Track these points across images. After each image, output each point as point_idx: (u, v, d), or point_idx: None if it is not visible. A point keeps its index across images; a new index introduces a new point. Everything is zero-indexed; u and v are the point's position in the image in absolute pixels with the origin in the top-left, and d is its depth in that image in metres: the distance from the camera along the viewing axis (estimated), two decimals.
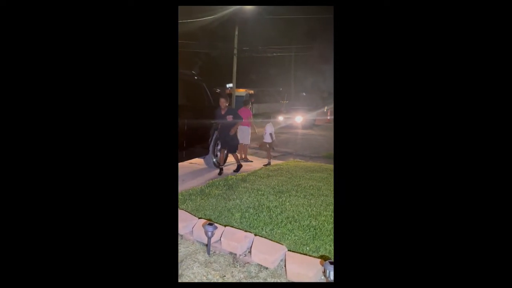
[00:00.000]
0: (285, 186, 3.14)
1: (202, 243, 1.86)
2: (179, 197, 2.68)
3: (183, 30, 12.24)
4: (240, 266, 1.62)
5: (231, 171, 4.08)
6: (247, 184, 3.16)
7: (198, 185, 3.14)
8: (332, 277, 1.25)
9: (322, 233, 1.97)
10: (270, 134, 4.66)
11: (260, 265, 1.62)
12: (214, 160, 4.16)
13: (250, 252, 1.70)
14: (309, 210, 2.40)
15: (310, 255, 1.65)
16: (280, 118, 11.68)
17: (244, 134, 4.86)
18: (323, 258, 1.62)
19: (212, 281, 1.49)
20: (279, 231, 2.01)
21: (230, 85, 14.87)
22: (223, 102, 3.89)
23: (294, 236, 1.94)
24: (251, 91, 17.91)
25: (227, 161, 4.54)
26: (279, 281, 1.50)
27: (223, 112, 3.87)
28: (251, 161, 4.87)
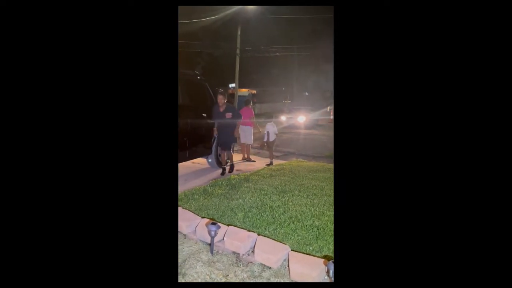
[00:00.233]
0: (288, 186, 3.14)
1: (205, 243, 1.86)
2: (182, 196, 2.69)
3: (186, 30, 12.27)
4: (243, 266, 1.62)
5: (234, 170, 4.08)
6: (250, 184, 3.16)
7: (201, 185, 3.15)
8: None
9: (325, 233, 1.97)
10: (268, 133, 4.64)
11: (263, 265, 1.62)
12: (227, 159, 4.07)
13: (253, 251, 1.70)
14: (312, 210, 2.39)
15: (313, 255, 1.65)
16: (283, 118, 11.67)
17: (246, 134, 4.85)
18: (327, 258, 1.62)
19: (215, 280, 1.49)
20: (282, 230, 2.00)
21: (233, 85, 14.88)
22: (221, 99, 3.72)
23: (297, 236, 1.93)
24: (254, 91, 17.90)
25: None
26: (282, 281, 1.50)
27: (221, 110, 3.73)
28: (254, 161, 4.87)
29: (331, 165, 4.38)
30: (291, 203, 2.56)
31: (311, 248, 1.78)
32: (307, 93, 21.45)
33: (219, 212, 2.33)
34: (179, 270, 1.55)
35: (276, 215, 2.27)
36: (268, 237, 1.86)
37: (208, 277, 1.51)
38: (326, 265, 1.45)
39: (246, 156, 4.93)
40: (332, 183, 3.21)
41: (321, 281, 1.46)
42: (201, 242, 1.88)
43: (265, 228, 2.04)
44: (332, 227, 2.05)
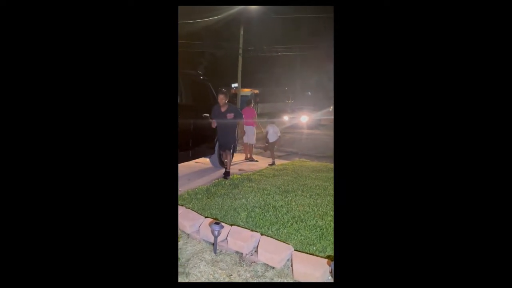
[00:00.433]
0: (291, 185, 3.13)
1: (208, 242, 1.86)
2: (186, 196, 2.70)
3: (189, 31, 12.30)
4: (246, 266, 1.62)
5: (237, 170, 4.09)
6: (253, 184, 3.16)
7: (204, 184, 3.16)
8: None
9: (328, 233, 1.96)
10: (267, 132, 4.63)
11: (266, 265, 1.62)
12: (225, 160, 3.91)
13: (256, 251, 1.70)
14: (316, 210, 2.39)
15: (316, 255, 1.64)
16: (285, 117, 11.65)
17: (249, 134, 4.86)
18: (330, 258, 1.61)
19: (218, 280, 1.49)
20: (285, 230, 2.00)
21: (235, 85, 14.89)
22: (222, 99, 3.52)
23: (301, 236, 1.93)
24: (256, 91, 17.90)
25: (233, 160, 4.55)
26: (285, 280, 1.49)
27: (222, 110, 3.54)
28: (257, 161, 4.87)
29: None
30: (294, 203, 2.56)
31: (314, 248, 1.78)
32: (309, 93, 21.40)
33: (222, 211, 2.33)
34: (182, 270, 1.56)
35: (279, 215, 2.27)
36: (271, 237, 1.86)
37: (211, 276, 1.51)
38: (329, 265, 1.44)
39: (248, 156, 4.93)
40: None
41: (325, 281, 1.46)
42: (204, 241, 1.88)
43: (268, 228, 2.04)
44: None
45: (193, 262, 1.62)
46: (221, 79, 15.51)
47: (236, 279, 1.50)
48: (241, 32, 13.30)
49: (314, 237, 1.91)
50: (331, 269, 1.33)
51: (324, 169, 4.03)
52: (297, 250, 1.70)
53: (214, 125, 3.61)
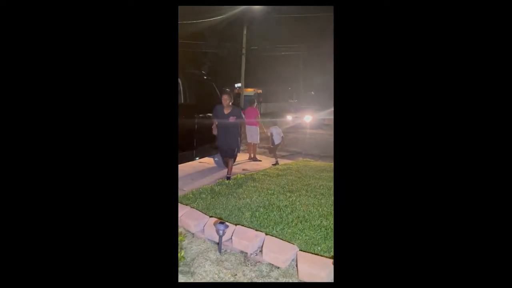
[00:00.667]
0: (294, 185, 3.13)
1: (213, 242, 1.87)
2: (190, 195, 2.71)
3: (192, 31, 12.33)
4: (251, 265, 1.62)
5: (240, 169, 4.09)
6: (257, 183, 3.16)
7: (208, 184, 3.17)
8: None
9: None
10: (278, 134, 4.63)
11: (271, 265, 1.62)
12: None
13: (261, 251, 1.70)
14: (320, 210, 2.38)
15: (321, 255, 1.64)
16: (289, 117, 11.63)
17: (252, 134, 4.86)
18: None
19: (223, 279, 1.49)
20: (289, 230, 2.00)
21: (239, 84, 14.90)
22: (226, 100, 3.26)
23: (305, 236, 1.92)
24: (259, 91, 17.89)
25: (236, 160, 4.55)
26: (290, 280, 1.49)
27: (226, 112, 3.30)
28: (260, 160, 4.87)
29: None
30: (298, 202, 2.55)
31: (319, 248, 1.77)
32: (313, 92, 21.33)
33: (227, 211, 2.34)
34: (188, 269, 1.56)
35: (284, 214, 2.27)
36: (276, 236, 1.86)
37: (216, 276, 1.51)
38: None
39: (252, 156, 4.94)
40: None
41: (330, 281, 1.45)
42: (209, 241, 1.89)
43: (273, 228, 2.04)
44: None
45: (198, 262, 1.63)
46: (224, 79, 15.52)
47: (241, 278, 1.50)
48: (244, 32, 13.30)
49: (319, 237, 1.91)
50: None
51: (328, 169, 4.02)
52: (302, 250, 1.70)
53: (214, 131, 3.39)
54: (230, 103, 3.32)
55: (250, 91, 16.17)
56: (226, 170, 3.98)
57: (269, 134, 4.71)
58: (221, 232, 1.68)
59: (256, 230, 1.92)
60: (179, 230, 1.86)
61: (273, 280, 1.49)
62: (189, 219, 2.05)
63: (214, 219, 2.02)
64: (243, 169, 4.16)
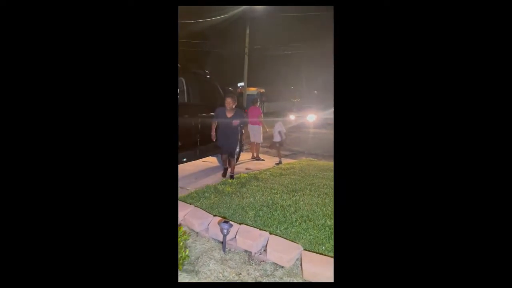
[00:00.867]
0: (298, 184, 3.12)
1: (217, 241, 1.87)
2: (194, 195, 2.72)
3: (195, 30, 12.35)
4: (255, 264, 1.62)
5: (244, 169, 4.09)
6: (260, 183, 3.16)
7: (212, 183, 3.17)
8: None
9: None
10: (279, 132, 4.62)
11: (275, 264, 1.61)
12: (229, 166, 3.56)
13: (265, 250, 1.70)
14: (324, 209, 2.37)
15: (326, 255, 1.63)
16: (291, 117, 11.60)
17: (255, 133, 4.86)
18: None
19: (228, 278, 1.49)
20: (293, 230, 1.99)
21: (242, 84, 14.89)
22: (229, 103, 3.22)
23: (309, 235, 1.92)
24: (262, 90, 17.87)
25: (239, 159, 4.56)
26: (295, 280, 1.49)
27: (229, 115, 3.24)
28: (263, 160, 4.86)
29: None
30: (302, 202, 2.54)
31: (323, 247, 1.77)
32: (316, 92, 21.25)
33: (230, 210, 2.34)
34: (192, 268, 1.57)
35: (287, 214, 2.26)
36: (280, 236, 1.86)
37: (221, 274, 1.52)
38: None
39: (255, 155, 4.93)
40: None
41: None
42: (213, 240, 1.89)
43: (276, 227, 2.03)
44: None
45: (203, 260, 1.63)
46: (227, 78, 15.54)
47: (245, 277, 1.50)
48: (247, 31, 13.28)
49: (323, 236, 1.90)
50: None
51: (331, 168, 4.00)
52: (306, 250, 1.70)
53: (214, 137, 3.35)
54: (234, 106, 3.26)
55: (253, 90, 16.16)
56: (229, 169, 3.99)
57: (274, 131, 4.69)
58: (225, 231, 1.69)
59: (260, 229, 1.92)
60: (184, 229, 1.86)
61: (277, 279, 1.49)
62: (193, 218, 2.06)
63: (218, 218, 2.02)
64: (246, 168, 4.16)
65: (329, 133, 9.70)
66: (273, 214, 2.25)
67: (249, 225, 2.00)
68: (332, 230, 1.98)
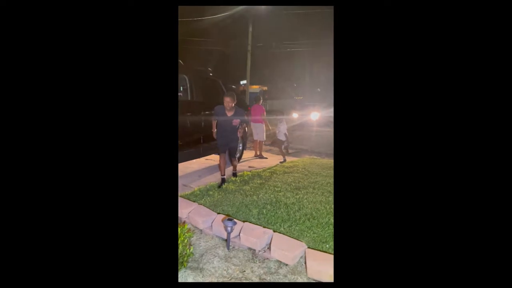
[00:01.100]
0: (301, 183, 3.12)
1: (221, 238, 1.88)
2: (197, 192, 2.73)
3: (197, 28, 12.34)
4: (259, 262, 1.63)
5: (247, 167, 4.09)
6: (263, 181, 3.16)
7: (215, 181, 3.18)
8: None
9: None
10: (285, 134, 4.61)
11: (279, 262, 1.62)
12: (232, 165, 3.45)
13: (269, 248, 1.70)
14: (327, 207, 2.37)
15: (330, 253, 1.63)
16: (294, 115, 11.56)
17: (258, 131, 4.85)
18: None
19: (232, 275, 1.50)
20: (297, 228, 1.99)
21: (244, 81, 14.87)
22: (228, 102, 3.00)
23: (313, 233, 1.92)
24: (265, 88, 17.83)
25: (242, 157, 4.56)
26: (299, 277, 1.49)
27: (228, 114, 3.08)
28: (266, 158, 4.86)
29: None
30: (305, 200, 2.54)
31: (327, 246, 1.76)
32: (319, 89, 21.15)
33: (234, 208, 2.34)
34: (196, 265, 1.58)
35: (291, 212, 2.26)
36: (284, 234, 1.86)
37: (225, 272, 1.52)
38: None
39: (258, 153, 4.93)
40: None
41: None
42: (217, 237, 1.90)
43: (280, 225, 2.03)
44: None
45: (207, 258, 1.64)
46: (230, 76, 15.52)
47: (249, 275, 1.51)
48: (250, 29, 13.23)
49: (327, 234, 1.90)
50: None
51: None
52: (310, 248, 1.70)
53: (214, 134, 3.25)
54: (233, 105, 3.10)
55: (255, 88, 16.14)
56: (232, 167, 3.99)
57: (278, 129, 4.68)
58: (229, 228, 1.69)
59: (264, 227, 1.92)
60: (188, 226, 1.87)
61: (281, 277, 1.49)
62: (197, 215, 2.07)
63: (221, 216, 2.03)
64: (250, 166, 4.16)
65: (332, 131, 9.66)
66: (276, 212, 2.25)
67: (252, 223, 2.01)
68: None
